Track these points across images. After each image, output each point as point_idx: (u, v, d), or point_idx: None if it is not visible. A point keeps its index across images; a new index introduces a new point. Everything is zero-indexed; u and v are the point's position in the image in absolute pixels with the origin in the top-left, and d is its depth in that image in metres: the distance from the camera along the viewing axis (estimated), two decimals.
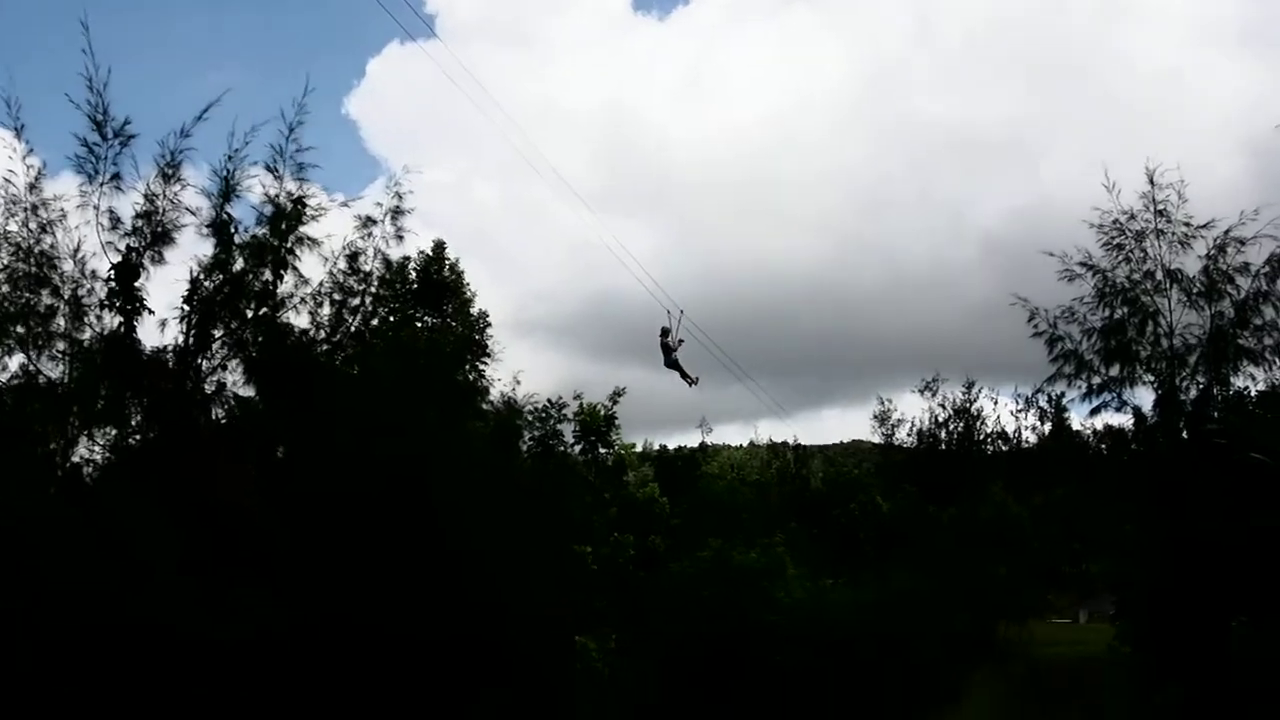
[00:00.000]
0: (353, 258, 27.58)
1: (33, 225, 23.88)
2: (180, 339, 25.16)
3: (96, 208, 24.28)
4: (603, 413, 54.59)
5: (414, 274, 47.08)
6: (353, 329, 27.74)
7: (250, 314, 26.01)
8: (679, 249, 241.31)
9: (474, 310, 47.82)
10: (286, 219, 26.35)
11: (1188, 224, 37.24)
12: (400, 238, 28.29)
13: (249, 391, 25.90)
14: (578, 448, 53.86)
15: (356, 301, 27.63)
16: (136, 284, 24.42)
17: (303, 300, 26.73)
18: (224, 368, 25.60)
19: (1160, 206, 37.35)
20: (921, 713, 51.81)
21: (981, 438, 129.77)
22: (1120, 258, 37.65)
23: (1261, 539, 31.60)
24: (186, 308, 25.30)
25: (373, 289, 28.12)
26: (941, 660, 54.56)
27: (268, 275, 26.25)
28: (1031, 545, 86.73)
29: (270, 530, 21.73)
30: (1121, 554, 43.95)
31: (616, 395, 55.22)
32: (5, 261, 23.76)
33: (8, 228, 23.79)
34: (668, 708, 47.33)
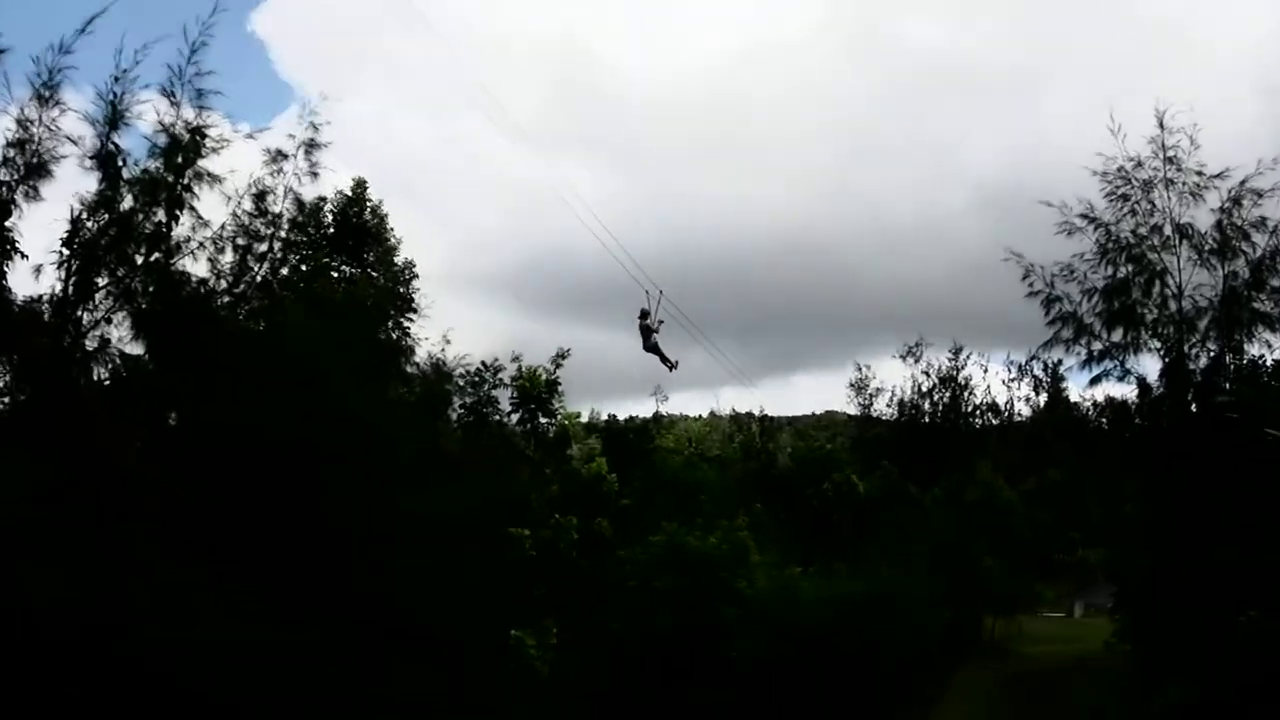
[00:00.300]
0: (260, 197, 27.25)
1: None
2: (58, 288, 24.45)
3: None
4: (544, 378, 54.50)
5: (330, 217, 46.58)
6: (258, 279, 27.43)
7: (140, 260, 25.55)
8: (635, 196, 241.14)
9: (399, 260, 47.38)
10: (183, 151, 25.87)
11: (1200, 173, 37.48)
12: (315, 175, 27.97)
13: (138, 348, 25.38)
14: (515, 417, 53.79)
15: (263, 247, 27.31)
16: (6, 224, 23.84)
17: (201, 245, 26.35)
18: (109, 321, 24.97)
19: (1170, 153, 37.57)
20: (899, 714, 52.37)
21: (969, 410, 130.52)
22: (1125, 210, 37.93)
23: (1276, 523, 32.03)
24: (66, 252, 24.59)
25: (282, 233, 27.80)
26: (921, 658, 55.14)
27: (161, 216, 25.76)
28: (1023, 532, 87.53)
29: (163, 494, 21.50)
30: (1122, 540, 44.29)
31: (560, 358, 55.19)
32: None
33: None
34: (614, 710, 47.56)
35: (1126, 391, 38.27)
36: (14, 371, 23.55)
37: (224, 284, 26.75)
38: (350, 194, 46.95)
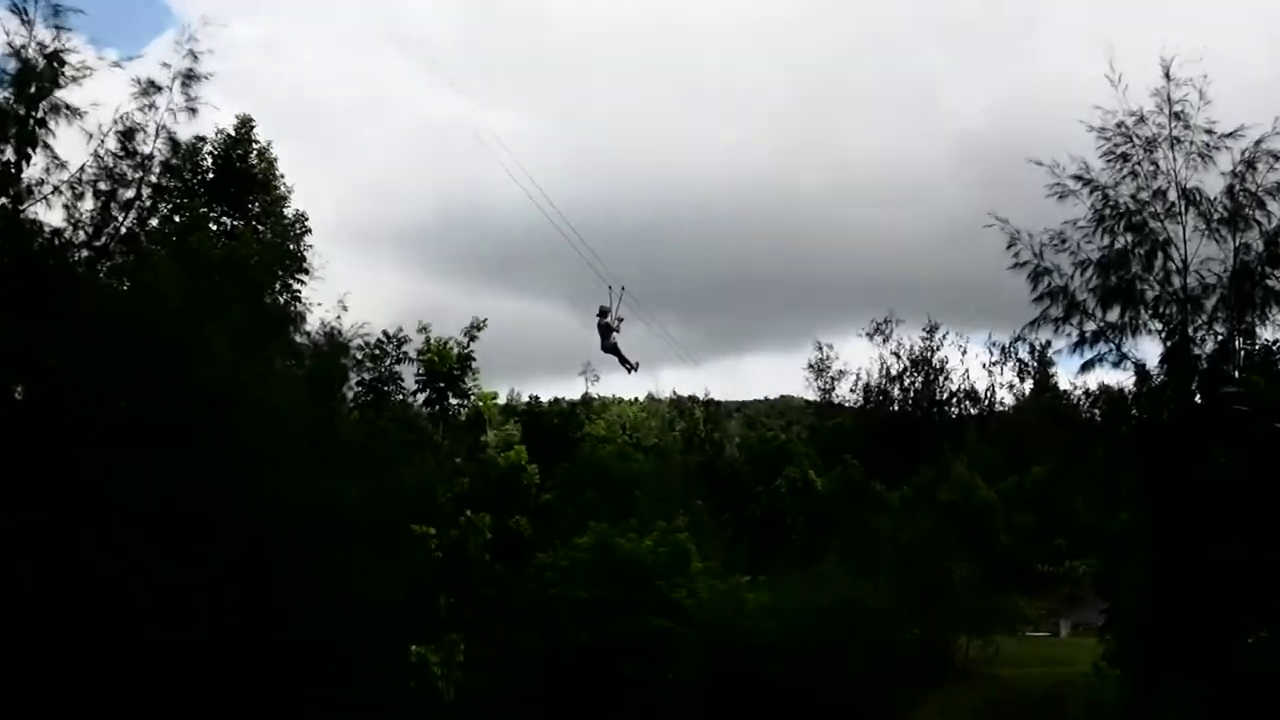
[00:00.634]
0: (127, 135, 26.97)
1: None
2: None
3: None
4: (456, 352, 54.42)
5: (210, 161, 46.31)
6: (124, 230, 27.17)
7: None
8: (566, 143, 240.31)
9: (289, 212, 47.20)
10: (37, 80, 25.61)
11: (1210, 132, 37.71)
12: (193, 112, 27.70)
13: None
14: (421, 397, 53.75)
15: (130, 194, 27.05)
16: None
17: (57, 190, 26.10)
18: None
19: (1177, 108, 37.77)
20: None
21: (944, 397, 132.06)
22: (1125, 171, 38.13)
23: None
24: None
25: (153, 178, 27.55)
26: (885, 681, 55.54)
27: (9, 154, 25.56)
28: (1001, 538, 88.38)
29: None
30: (1115, 549, 44.71)
31: (475, 329, 55.11)
32: None
33: None
34: None
35: (1123, 379, 38.49)
36: None
37: (83, 235, 26.50)
38: (234, 134, 46.70)
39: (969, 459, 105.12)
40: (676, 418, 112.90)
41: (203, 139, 42.61)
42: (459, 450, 55.20)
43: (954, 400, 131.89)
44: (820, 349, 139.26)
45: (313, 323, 35.15)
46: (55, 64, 25.75)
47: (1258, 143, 36.97)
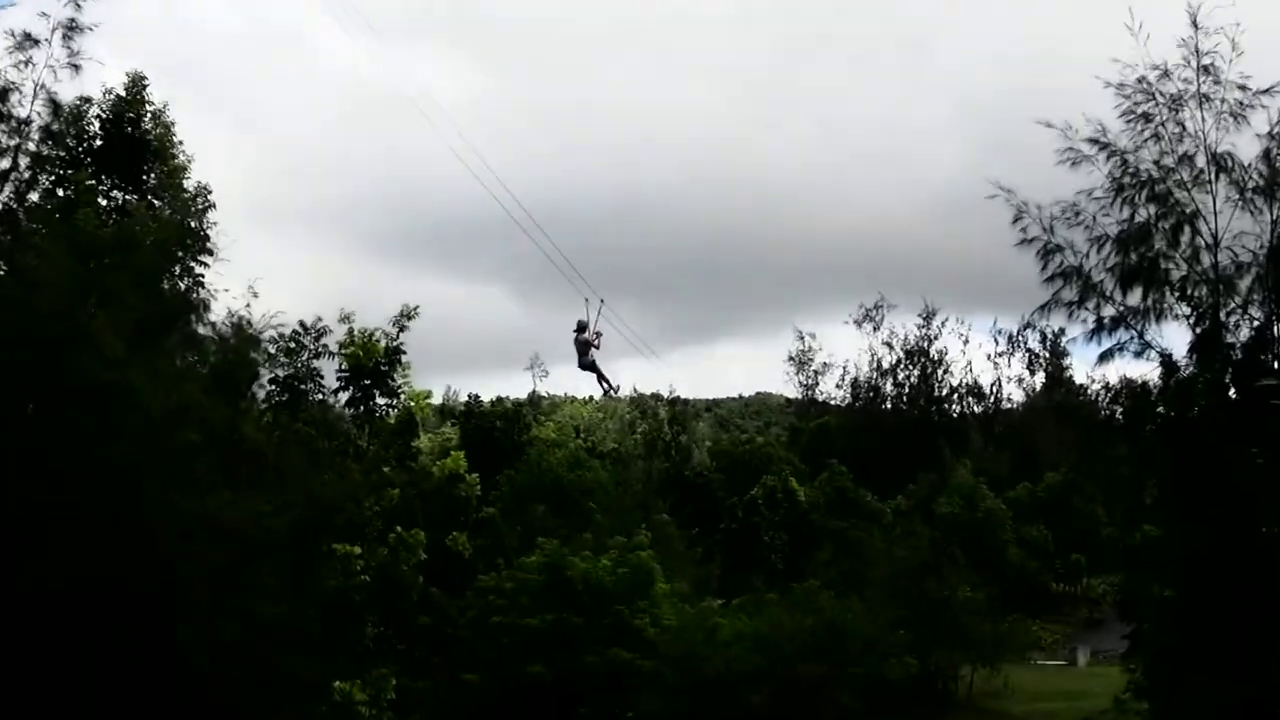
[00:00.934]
0: (0, 97, 26.85)
1: None
2: None
3: None
4: (384, 344, 54.22)
5: (97, 125, 46.00)
6: None
7: None
8: (511, 106, 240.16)
9: (189, 184, 46.92)
10: None
11: (1243, 88, 37.76)
12: (76, 69, 27.63)
13: None
14: (344, 397, 53.54)
15: (4, 164, 26.96)
16: None
17: None
18: None
19: (1205, 60, 37.81)
20: None
21: (944, 393, 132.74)
22: (1147, 133, 38.20)
23: None
24: None
25: (31, 145, 27.47)
26: (876, 717, 55.77)
27: None
28: (1010, 554, 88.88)
29: None
30: (1140, 565, 44.78)
31: (405, 318, 54.81)
32: None
33: None
34: None
35: (1146, 370, 38.62)
36: None
37: None
38: (124, 95, 46.32)
39: (972, 464, 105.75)
40: (637, 418, 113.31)
41: (88, 100, 42.29)
42: (387, 458, 54.87)
43: (955, 396, 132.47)
44: (801, 339, 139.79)
45: (218, 312, 34.94)
46: None
47: None
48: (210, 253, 41.56)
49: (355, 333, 53.11)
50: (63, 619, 23.24)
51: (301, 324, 47.06)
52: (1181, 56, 37.56)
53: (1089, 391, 42.91)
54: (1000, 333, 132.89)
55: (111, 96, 45.66)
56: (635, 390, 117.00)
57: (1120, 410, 39.97)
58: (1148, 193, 37.62)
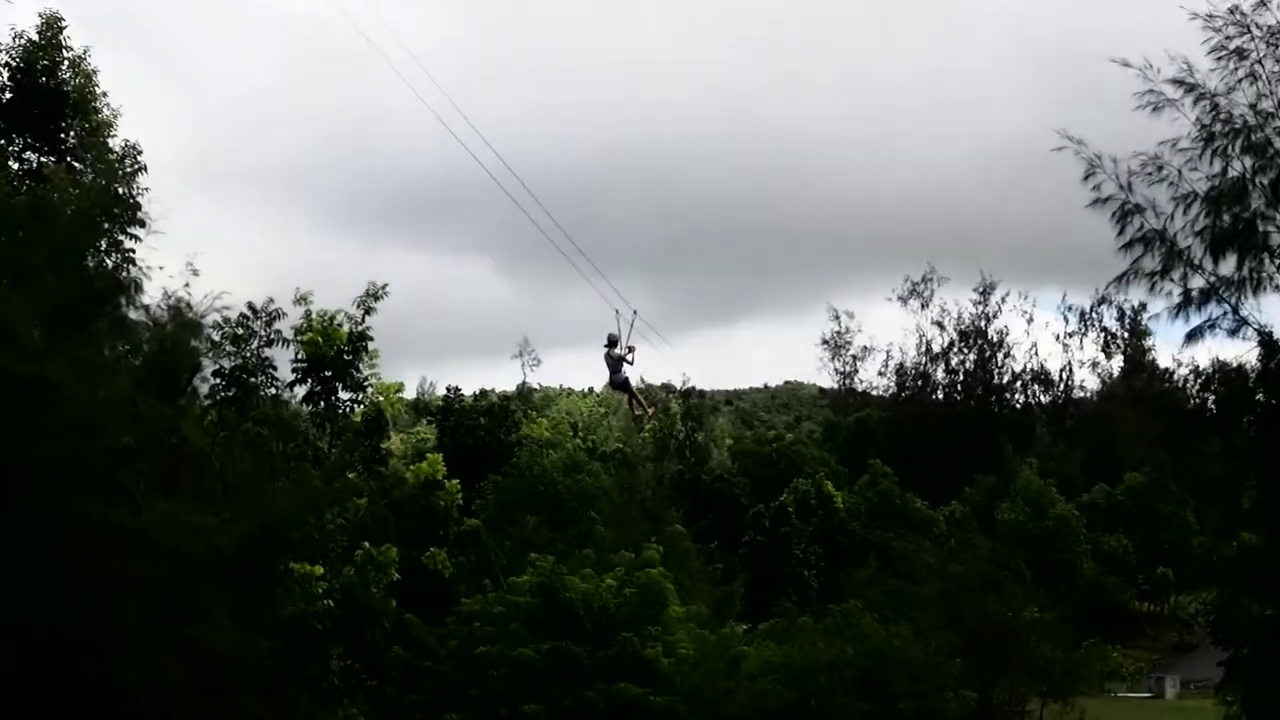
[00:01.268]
0: None
1: None
2: None
3: None
4: (347, 329, 54.25)
5: (5, 74, 46.05)
6: None
7: None
8: (493, 51, 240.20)
9: (115, 143, 46.97)
10: None
11: None
12: None
13: None
14: (300, 391, 53.56)
15: None
16: None
17: None
18: None
19: None
20: None
21: (1005, 380, 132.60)
22: (1241, 73, 38.14)
23: None
24: None
25: None
26: None
27: None
28: (1084, 568, 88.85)
29: None
30: (1236, 580, 44.79)
31: (373, 298, 54.79)
32: None
33: None
34: None
35: (1242, 351, 38.52)
36: None
37: None
38: (37, 40, 46.38)
39: (1039, 463, 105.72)
40: (646, 414, 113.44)
41: None
42: (352, 462, 54.88)
43: (1018, 384, 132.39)
44: (837, 319, 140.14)
45: (151, 293, 34.89)
46: None
47: None
48: (142, 224, 41.59)
49: (313, 316, 53.03)
50: None
51: (250, 307, 47.07)
52: None
53: (1175, 377, 42.73)
54: (1070, 309, 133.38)
55: (22, 41, 45.70)
56: (643, 381, 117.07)
57: (1212, 398, 39.88)
58: (1243, 142, 37.51)
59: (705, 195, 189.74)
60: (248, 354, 44.38)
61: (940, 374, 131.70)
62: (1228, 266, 37.58)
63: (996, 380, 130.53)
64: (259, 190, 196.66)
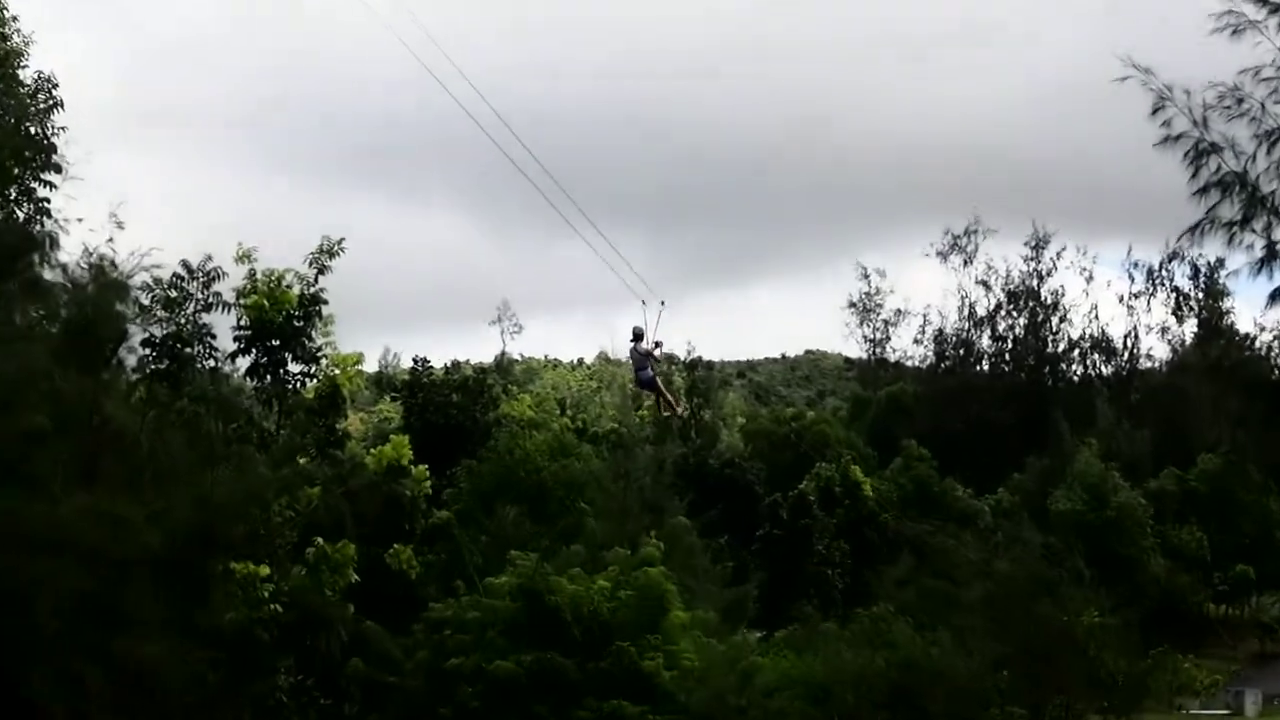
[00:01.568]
0: None
1: None
2: None
3: None
4: (298, 291, 54.20)
5: None
6: None
7: None
8: None
9: (26, 75, 46.92)
10: None
11: None
12: None
13: None
14: (244, 363, 53.54)
15: None
16: None
17: None
18: None
19: None
20: None
21: (1061, 348, 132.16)
22: None
23: None
24: None
25: None
26: None
27: None
28: (1151, 565, 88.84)
29: None
30: None
31: (327, 255, 54.76)
32: None
33: None
34: None
35: None
36: None
37: None
38: None
39: (1100, 444, 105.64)
40: (675, 414, 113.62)
41: None
42: (304, 445, 54.88)
43: (1075, 353, 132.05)
44: (866, 278, 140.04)
45: (70, 250, 34.91)
46: None
47: None
48: (58, 169, 41.53)
49: (259, 276, 52.97)
50: None
51: (185, 265, 46.98)
52: None
53: (1258, 344, 42.86)
54: (1136, 266, 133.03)
55: None
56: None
57: None
58: None
59: (713, 139, 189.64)
60: (182, 320, 44.36)
61: (985, 341, 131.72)
62: None
63: (1051, 348, 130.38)
64: (197, 134, 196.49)
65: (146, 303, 39.62)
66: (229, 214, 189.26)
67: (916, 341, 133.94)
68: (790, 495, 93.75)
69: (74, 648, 25.63)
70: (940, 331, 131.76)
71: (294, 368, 54.27)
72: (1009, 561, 70.70)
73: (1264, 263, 37.88)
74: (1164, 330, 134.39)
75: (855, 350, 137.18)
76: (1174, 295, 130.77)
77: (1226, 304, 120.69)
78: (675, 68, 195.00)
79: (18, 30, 46.10)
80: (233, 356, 51.62)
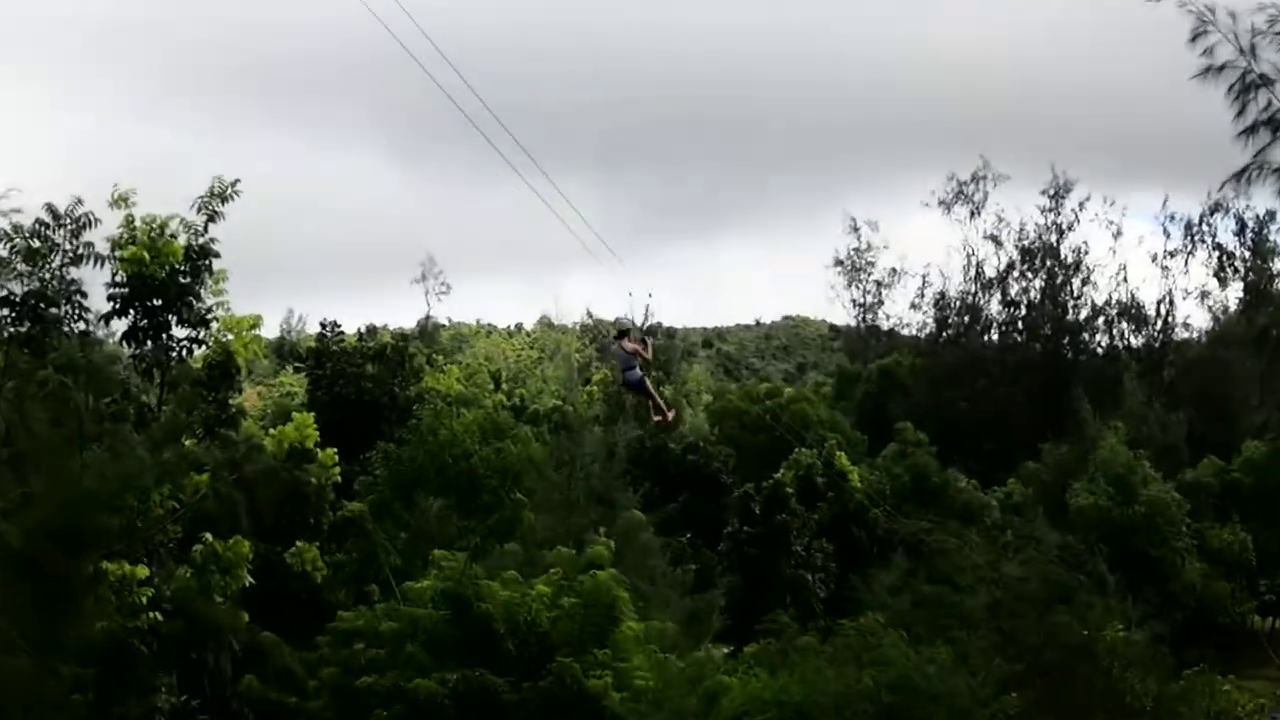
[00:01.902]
0: None
1: None
2: None
3: None
4: (184, 242, 54.15)
5: None
6: None
7: None
8: None
9: None
10: None
11: None
12: None
13: None
14: (120, 326, 53.43)
15: None
16: None
17: None
18: None
19: None
20: None
21: (1084, 315, 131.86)
22: None
23: None
24: None
25: None
26: None
27: None
28: (1186, 570, 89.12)
29: None
30: None
31: (219, 199, 54.69)
32: None
33: None
34: None
35: None
36: None
37: None
38: None
39: (1129, 428, 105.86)
40: (594, 358, 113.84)
41: None
42: (190, 424, 54.76)
43: (1100, 321, 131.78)
44: (855, 231, 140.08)
45: None
46: None
47: None
48: None
49: (137, 224, 52.84)
50: None
51: (50, 210, 46.87)
52: None
53: None
54: (1172, 219, 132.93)
55: None
56: (590, 315, 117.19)
57: None
58: None
59: (674, 67, 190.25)
60: (46, 275, 44.23)
61: (995, 306, 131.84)
62: None
63: (1071, 316, 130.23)
64: (64, 56, 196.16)
65: (4, 254, 39.52)
66: (103, 150, 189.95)
67: (914, 306, 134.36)
68: (764, 486, 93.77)
69: None
70: (942, 295, 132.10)
71: (179, 332, 54.08)
72: (1020, 565, 70.92)
73: None
74: (1204, 295, 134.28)
75: (841, 316, 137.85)
76: (1216, 254, 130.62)
77: (1277, 264, 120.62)
78: None
79: None
80: (106, 318, 51.48)
